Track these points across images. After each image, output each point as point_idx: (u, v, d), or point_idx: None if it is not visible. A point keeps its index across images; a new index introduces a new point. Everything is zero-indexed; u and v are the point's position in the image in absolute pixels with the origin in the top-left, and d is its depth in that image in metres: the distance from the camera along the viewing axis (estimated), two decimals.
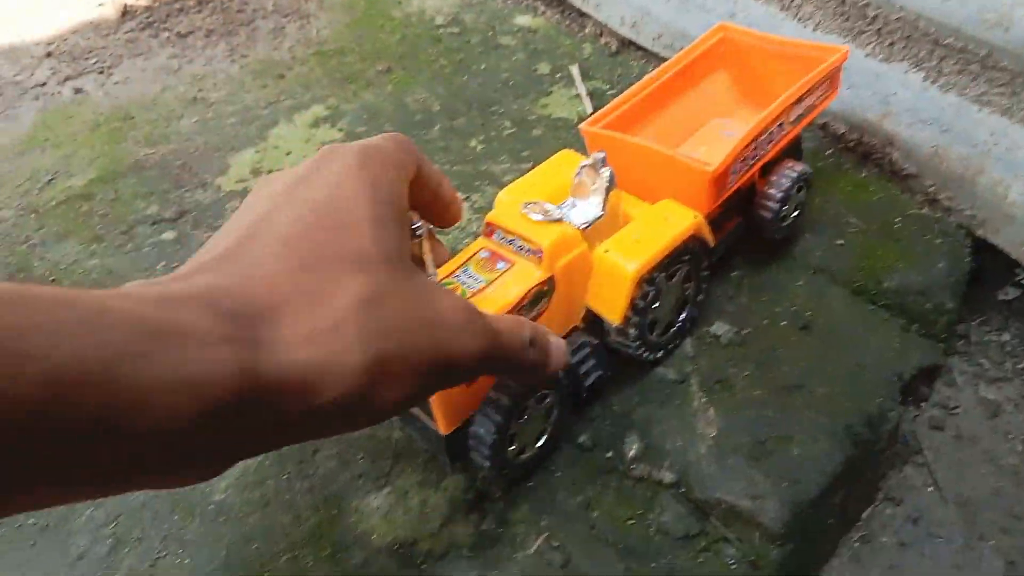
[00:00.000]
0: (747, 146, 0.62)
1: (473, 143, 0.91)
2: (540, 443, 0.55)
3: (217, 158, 0.94)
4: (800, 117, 0.67)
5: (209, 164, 0.93)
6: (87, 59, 1.16)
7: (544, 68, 1.03)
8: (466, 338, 0.34)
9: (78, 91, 1.09)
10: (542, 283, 0.53)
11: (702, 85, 0.77)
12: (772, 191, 0.66)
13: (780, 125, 0.65)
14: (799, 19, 0.88)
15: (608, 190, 0.56)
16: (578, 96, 0.96)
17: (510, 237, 0.54)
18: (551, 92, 0.98)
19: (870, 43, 0.82)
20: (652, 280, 0.56)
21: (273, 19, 1.20)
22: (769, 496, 0.54)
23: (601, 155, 0.56)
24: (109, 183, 0.91)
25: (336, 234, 0.31)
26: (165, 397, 0.23)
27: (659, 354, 0.62)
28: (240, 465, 0.58)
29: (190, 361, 0.24)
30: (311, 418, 0.28)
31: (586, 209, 0.56)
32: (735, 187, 0.64)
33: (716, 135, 0.76)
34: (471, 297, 0.51)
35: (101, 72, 1.13)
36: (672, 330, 0.62)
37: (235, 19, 1.21)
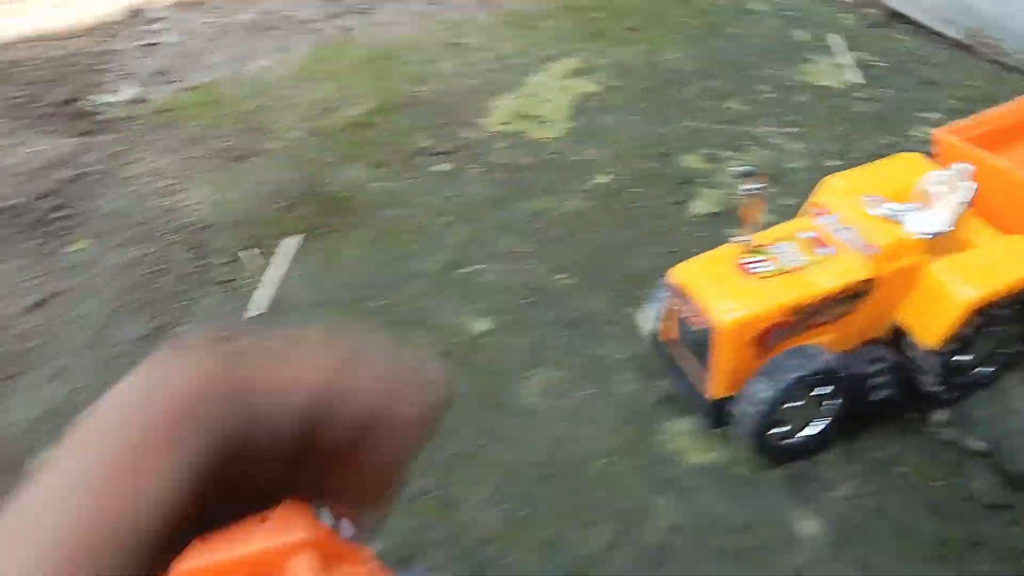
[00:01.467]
0: None
1: (732, 104, 0.93)
2: (804, 433, 0.55)
3: (479, 100, 1.00)
4: None
5: (472, 105, 0.99)
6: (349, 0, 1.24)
7: (801, 35, 1.02)
8: None
9: (345, 29, 1.17)
10: (864, 282, 0.51)
11: None
12: None
13: None
14: None
15: (963, 207, 0.52)
16: (841, 66, 0.95)
17: (843, 225, 0.53)
18: (811, 60, 0.98)
19: None
20: (988, 315, 0.51)
21: None
22: None
23: (968, 168, 0.52)
24: (386, 114, 0.98)
25: None
26: None
27: (954, 396, 0.57)
28: (542, 377, 0.63)
29: None
30: None
31: (931, 219, 0.52)
32: None
33: None
34: (788, 273, 0.51)
35: (362, 13, 1.21)
36: (970, 375, 0.56)
37: None
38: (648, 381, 0.62)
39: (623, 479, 0.55)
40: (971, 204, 0.53)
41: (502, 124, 0.96)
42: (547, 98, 0.99)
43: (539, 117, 0.95)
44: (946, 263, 0.53)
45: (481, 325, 0.70)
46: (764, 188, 0.50)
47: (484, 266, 0.76)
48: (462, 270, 0.76)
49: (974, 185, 0.52)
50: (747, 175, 0.50)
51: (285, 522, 0.41)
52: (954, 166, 0.54)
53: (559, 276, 0.73)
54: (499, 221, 0.81)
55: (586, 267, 0.73)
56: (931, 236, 0.53)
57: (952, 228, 0.53)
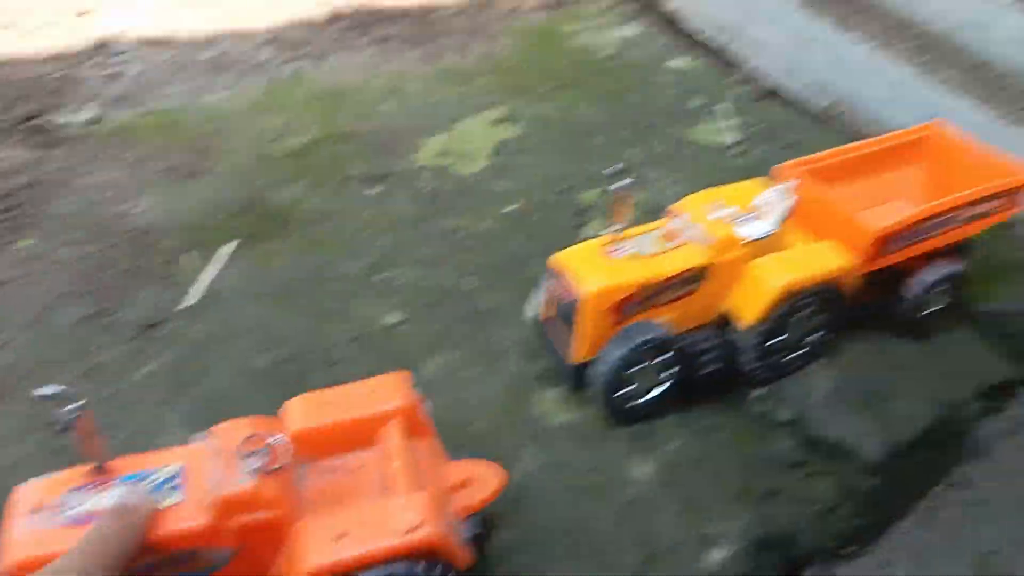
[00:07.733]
0: (913, 224, 0.68)
1: (630, 153, 1.06)
2: (646, 397, 0.67)
3: (412, 138, 1.11)
4: (971, 219, 0.72)
5: (405, 142, 1.11)
6: (302, 48, 1.36)
7: (697, 102, 1.18)
8: None
9: (297, 71, 1.29)
10: (701, 267, 0.64)
11: (899, 169, 0.80)
12: (922, 277, 0.72)
13: (948, 219, 0.70)
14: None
15: (785, 215, 0.67)
16: (722, 129, 1.10)
17: (691, 224, 0.66)
18: (701, 122, 1.13)
19: None
20: (795, 303, 0.64)
21: (460, 37, 1.39)
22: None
23: (792, 184, 0.67)
24: (327, 144, 1.09)
25: None
26: None
27: (769, 376, 0.69)
28: (441, 359, 0.73)
29: None
30: None
31: (761, 226, 0.66)
32: (890, 259, 0.69)
33: (894, 214, 0.73)
34: (642, 258, 0.63)
35: (315, 59, 1.33)
36: (782, 360, 0.70)
37: (428, 31, 1.41)
38: (532, 361, 0.73)
39: (498, 434, 0.65)
40: (791, 215, 0.67)
41: (430, 159, 1.07)
42: (472, 140, 1.12)
43: (464, 155, 1.07)
44: (765, 259, 0.67)
45: (393, 317, 0.80)
46: (631, 184, 0.60)
47: (401, 270, 0.86)
48: (381, 274, 0.86)
49: (793, 198, 0.67)
50: (617, 174, 0.61)
51: (385, 390, 0.49)
52: (780, 185, 0.68)
53: (467, 279, 0.84)
54: (418, 235, 0.92)
55: (491, 272, 0.84)
56: (756, 239, 0.66)
57: (773, 231, 0.67)
